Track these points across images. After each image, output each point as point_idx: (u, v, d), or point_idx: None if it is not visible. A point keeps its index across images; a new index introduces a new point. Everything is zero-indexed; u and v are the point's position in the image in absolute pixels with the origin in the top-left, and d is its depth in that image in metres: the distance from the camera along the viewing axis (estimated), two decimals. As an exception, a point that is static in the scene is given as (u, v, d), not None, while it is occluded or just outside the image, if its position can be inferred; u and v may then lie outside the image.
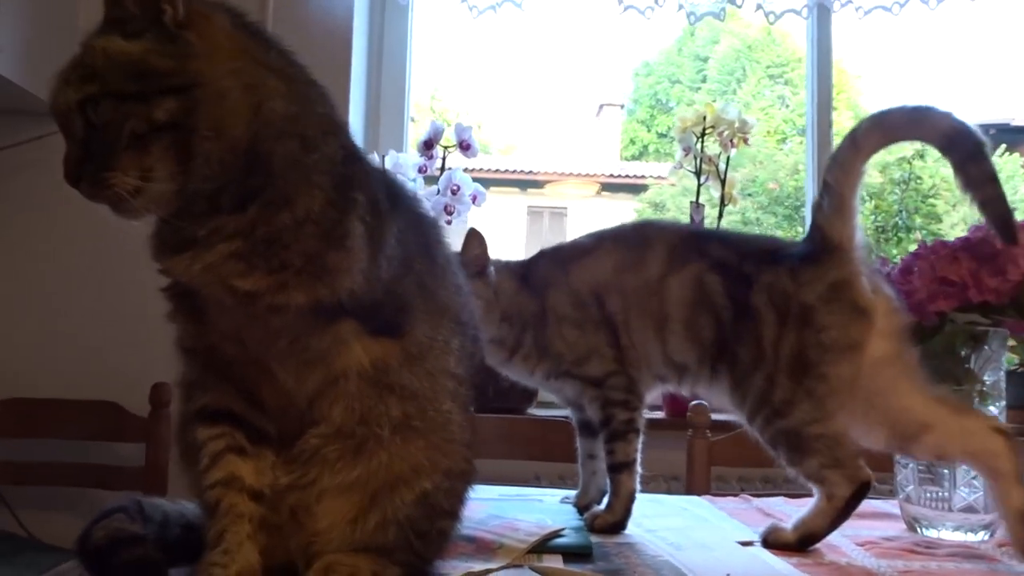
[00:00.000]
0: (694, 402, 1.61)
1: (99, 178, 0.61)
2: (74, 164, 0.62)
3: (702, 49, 7.87)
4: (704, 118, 2.00)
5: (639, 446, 1.02)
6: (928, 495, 1.01)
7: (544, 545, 0.87)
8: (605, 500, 1.02)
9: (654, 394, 1.10)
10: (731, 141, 2.00)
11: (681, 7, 2.17)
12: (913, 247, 1.07)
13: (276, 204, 0.63)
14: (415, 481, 0.71)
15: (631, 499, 1.00)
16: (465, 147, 1.94)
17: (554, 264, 1.09)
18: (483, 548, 0.85)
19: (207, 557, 0.67)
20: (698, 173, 2.03)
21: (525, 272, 1.10)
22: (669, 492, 1.57)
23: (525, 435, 1.72)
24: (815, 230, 0.97)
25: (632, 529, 0.99)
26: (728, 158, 2.02)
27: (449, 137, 1.96)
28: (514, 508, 1.05)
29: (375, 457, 0.70)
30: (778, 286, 0.95)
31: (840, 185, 0.94)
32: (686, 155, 2.03)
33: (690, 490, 1.56)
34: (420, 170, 1.93)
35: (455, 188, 1.88)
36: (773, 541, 0.93)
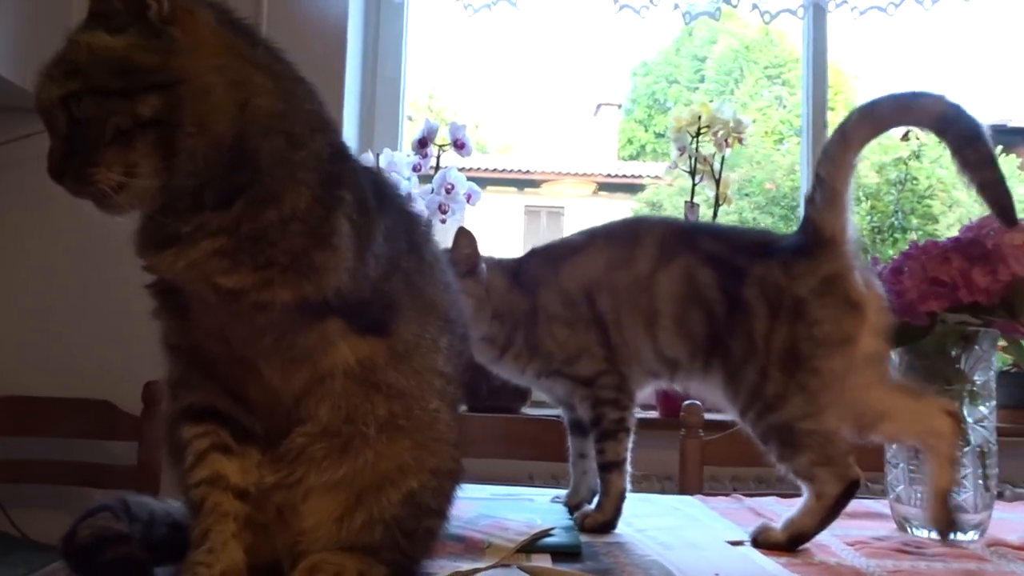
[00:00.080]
0: (687, 402, 1.61)
1: (83, 174, 0.61)
2: (58, 160, 0.62)
3: (700, 49, 7.86)
4: (699, 118, 2.00)
5: (629, 445, 1.02)
6: (918, 495, 1.01)
7: (533, 544, 0.87)
8: (595, 499, 1.02)
9: (647, 391, 1.10)
10: (726, 141, 2.00)
11: (676, 6, 2.17)
12: (910, 248, 1.07)
13: (262, 201, 0.63)
14: (402, 480, 0.70)
15: (621, 498, 1.00)
16: (459, 146, 1.93)
17: (545, 262, 1.09)
18: (472, 547, 0.84)
19: (192, 556, 0.67)
20: (693, 173, 2.02)
21: (517, 270, 1.09)
22: (662, 492, 1.57)
23: (519, 435, 1.72)
24: (807, 223, 0.96)
25: (622, 528, 0.99)
26: (723, 158, 2.01)
27: (444, 136, 1.95)
28: (504, 507, 1.05)
29: (361, 456, 0.69)
30: (770, 279, 0.95)
31: (832, 178, 0.94)
32: (681, 155, 2.03)
33: (683, 490, 1.56)
34: (414, 169, 1.93)
35: (449, 187, 1.88)
36: (763, 541, 0.93)
